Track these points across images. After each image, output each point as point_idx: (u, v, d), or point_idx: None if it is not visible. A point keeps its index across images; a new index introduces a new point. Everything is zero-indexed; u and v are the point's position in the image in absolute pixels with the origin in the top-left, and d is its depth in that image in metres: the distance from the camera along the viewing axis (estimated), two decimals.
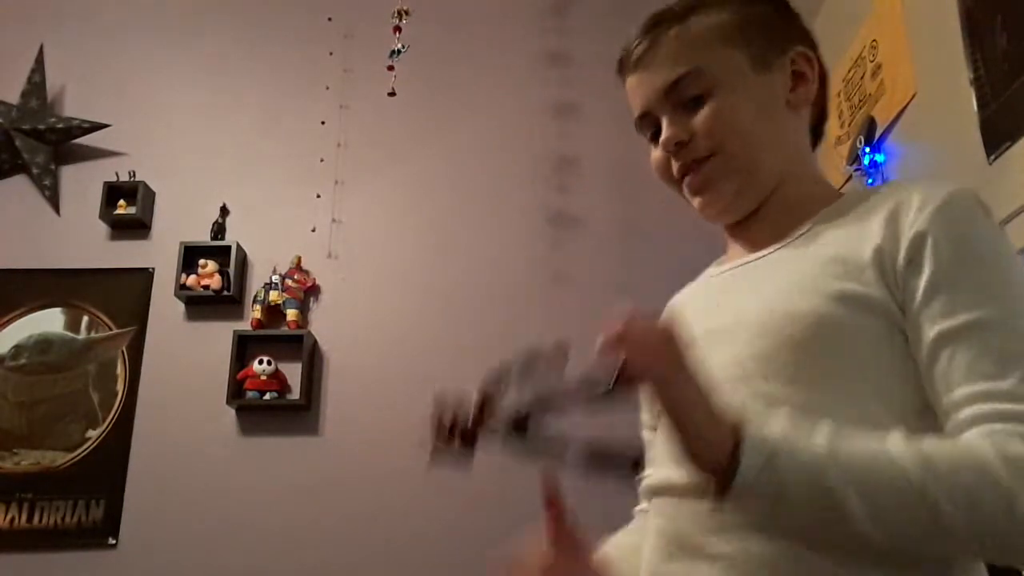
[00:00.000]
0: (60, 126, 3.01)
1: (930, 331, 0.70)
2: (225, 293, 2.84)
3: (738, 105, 0.84)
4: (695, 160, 0.85)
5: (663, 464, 0.82)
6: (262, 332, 2.83)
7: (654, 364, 0.68)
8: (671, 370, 0.67)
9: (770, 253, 0.85)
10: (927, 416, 0.71)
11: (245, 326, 2.84)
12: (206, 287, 2.84)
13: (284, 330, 2.83)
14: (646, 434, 0.96)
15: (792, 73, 0.88)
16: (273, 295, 2.83)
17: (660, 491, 0.83)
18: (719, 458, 0.65)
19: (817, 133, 0.93)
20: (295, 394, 2.78)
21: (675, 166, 0.87)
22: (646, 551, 0.84)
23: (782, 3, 0.92)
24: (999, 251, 0.73)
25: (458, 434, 0.78)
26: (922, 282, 0.71)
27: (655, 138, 0.89)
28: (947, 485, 0.63)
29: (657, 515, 0.83)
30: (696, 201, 0.88)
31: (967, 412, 0.67)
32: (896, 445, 0.65)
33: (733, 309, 0.82)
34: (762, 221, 0.87)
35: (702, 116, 0.84)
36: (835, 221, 0.80)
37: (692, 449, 0.67)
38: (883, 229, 0.74)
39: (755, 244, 0.88)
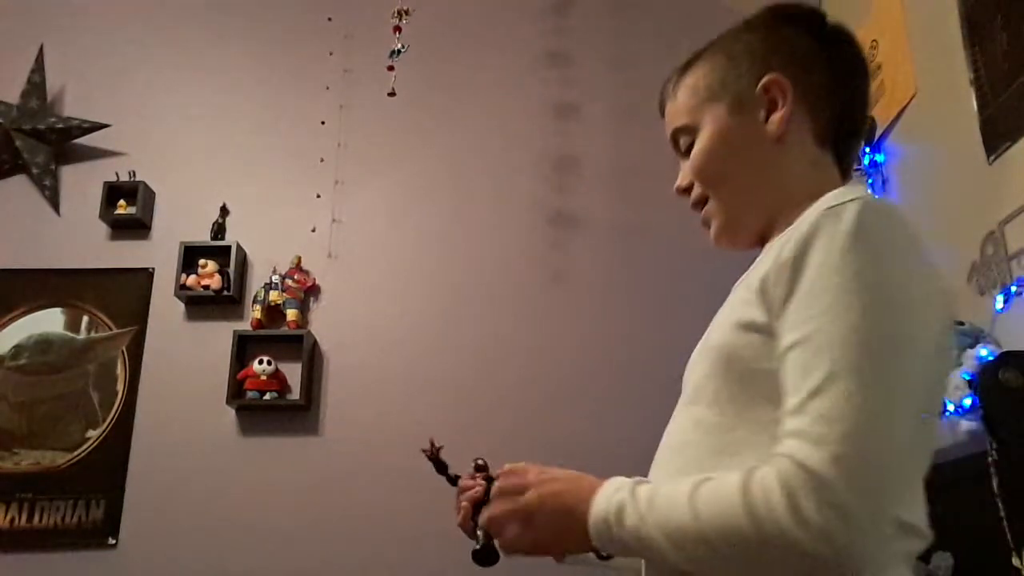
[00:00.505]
0: (60, 126, 3.01)
1: (779, 347, 0.74)
2: (225, 293, 2.84)
3: (713, 151, 0.93)
4: (697, 204, 0.97)
5: None
6: (262, 332, 2.83)
7: (515, 544, 0.87)
8: (528, 542, 0.85)
9: (742, 278, 0.90)
10: None
11: (245, 326, 2.84)
12: (206, 287, 2.84)
13: (284, 330, 2.83)
14: None
15: (767, 104, 0.91)
16: (273, 295, 2.83)
17: None
18: (584, 545, 0.82)
19: (840, 132, 0.93)
20: (295, 394, 2.78)
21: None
22: None
23: (764, 24, 0.96)
24: (844, 260, 0.71)
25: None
26: (779, 304, 0.75)
27: None
28: (712, 524, 0.70)
29: None
30: (710, 236, 0.98)
31: (780, 429, 0.71)
32: (684, 494, 0.73)
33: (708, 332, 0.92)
34: (759, 251, 0.92)
35: (689, 163, 0.96)
36: (766, 251, 0.87)
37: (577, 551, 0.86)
38: (774, 255, 0.78)
39: None
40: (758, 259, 0.86)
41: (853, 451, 0.64)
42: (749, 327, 0.78)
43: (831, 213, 0.74)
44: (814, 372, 0.68)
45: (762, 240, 0.92)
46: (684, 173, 0.98)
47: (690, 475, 0.75)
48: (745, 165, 0.91)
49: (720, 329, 0.84)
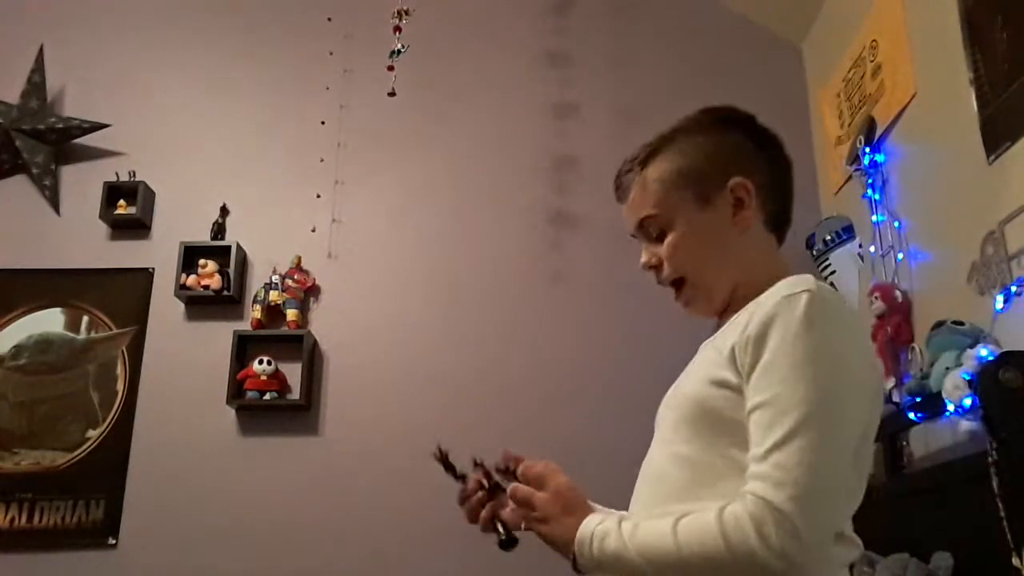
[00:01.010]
0: (60, 126, 3.01)
1: (747, 405, 0.92)
2: (225, 293, 2.84)
3: (687, 240, 1.07)
4: (672, 281, 1.09)
5: None
6: (262, 332, 2.83)
7: (539, 524, 1.00)
8: (546, 525, 1.00)
9: (710, 341, 1.07)
10: None
11: (245, 326, 2.84)
12: (206, 287, 2.84)
13: (284, 330, 2.83)
14: None
15: (734, 200, 1.07)
16: (273, 295, 2.83)
17: None
18: (568, 552, 0.97)
19: (781, 219, 1.13)
20: (295, 394, 2.78)
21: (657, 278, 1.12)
22: None
23: (714, 127, 1.10)
24: (798, 341, 0.90)
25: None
26: (746, 367, 0.93)
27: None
28: (692, 552, 0.87)
29: None
30: (683, 308, 1.12)
31: (747, 472, 0.89)
32: (667, 525, 0.89)
33: (679, 387, 1.08)
34: (724, 315, 1.09)
35: (664, 250, 1.08)
36: (736, 320, 1.01)
37: (557, 550, 1.00)
38: (741, 328, 0.95)
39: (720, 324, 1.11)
40: (725, 326, 1.03)
41: (803, 492, 0.84)
42: (721, 384, 0.95)
43: (786, 301, 0.92)
44: (776, 430, 0.87)
45: (724, 306, 1.09)
46: (651, 253, 1.10)
47: (669, 503, 0.95)
48: (716, 252, 1.08)
49: (693, 381, 1.01)
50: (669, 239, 1.08)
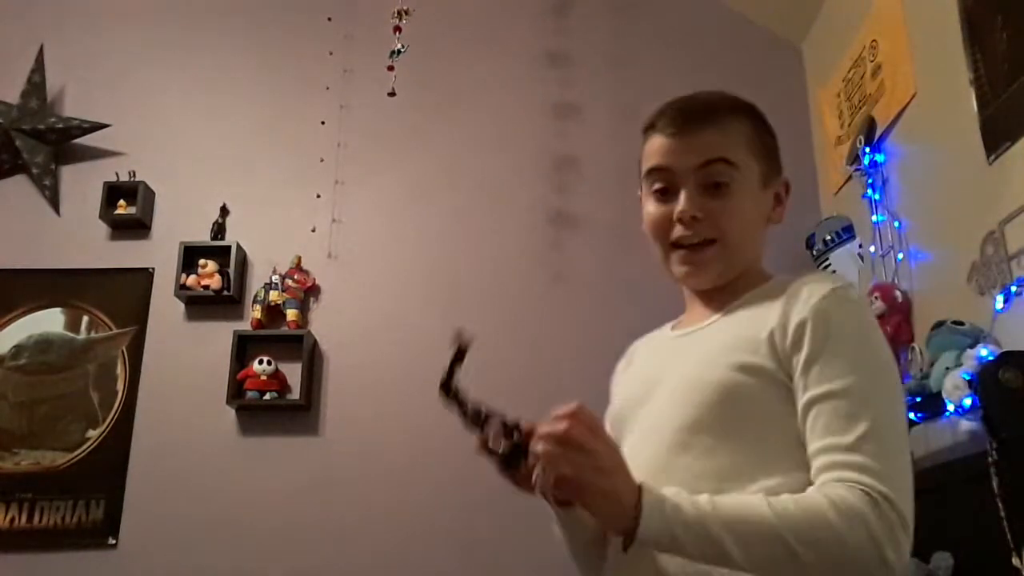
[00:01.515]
0: (60, 126, 3.01)
1: (803, 397, 0.91)
2: (225, 293, 2.84)
3: (747, 208, 1.04)
4: (700, 241, 1.03)
5: None
6: (262, 332, 2.83)
7: (573, 477, 0.85)
8: (585, 478, 0.85)
9: (712, 323, 1.05)
10: (801, 457, 0.91)
11: (245, 326, 2.84)
12: (206, 287, 2.84)
13: (284, 330, 2.83)
14: None
15: (775, 195, 1.09)
16: (273, 295, 2.83)
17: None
18: (625, 524, 0.85)
19: None
20: (295, 394, 2.78)
21: (676, 232, 1.04)
22: None
23: (776, 139, 1.11)
24: (861, 336, 0.93)
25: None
26: (801, 359, 0.92)
27: (661, 192, 1.06)
28: (798, 529, 0.82)
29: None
30: (683, 269, 1.06)
31: (818, 462, 0.88)
32: (760, 501, 0.85)
33: (677, 372, 1.02)
34: (721, 292, 1.07)
35: (718, 206, 1.02)
36: (756, 303, 1.01)
37: (604, 523, 0.89)
38: (778, 316, 0.95)
39: (710, 308, 1.08)
40: (741, 313, 1.01)
41: (905, 485, 0.86)
42: (752, 370, 0.93)
43: (839, 295, 0.94)
44: (860, 419, 0.87)
45: (724, 283, 1.06)
46: (699, 205, 1.02)
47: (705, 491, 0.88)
48: (754, 231, 1.07)
49: (715, 368, 0.96)
50: (730, 200, 1.03)
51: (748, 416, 0.93)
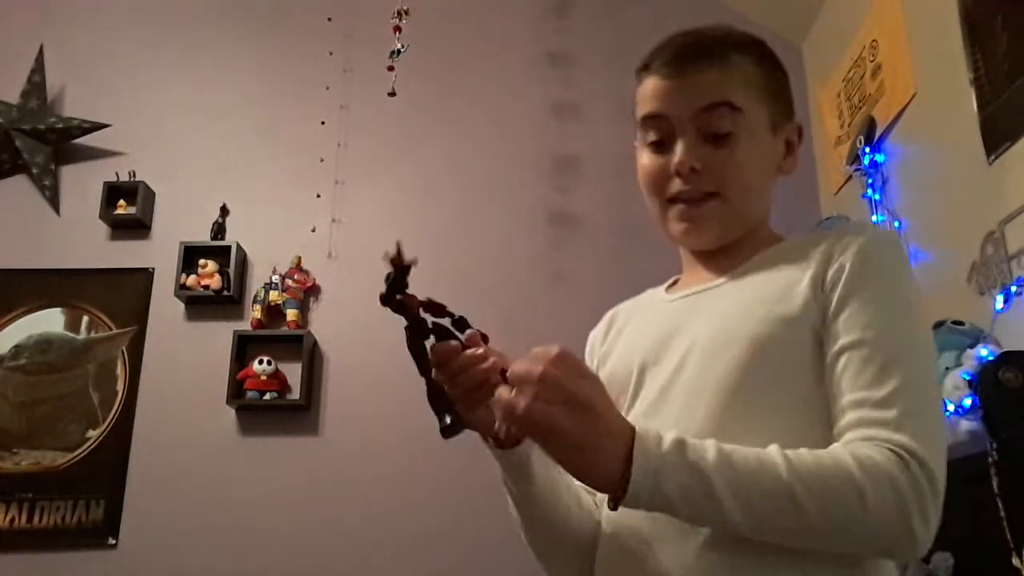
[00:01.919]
0: (60, 126, 3.01)
1: (835, 342, 0.82)
2: (225, 293, 2.84)
3: (752, 159, 0.93)
4: (699, 195, 0.92)
5: None
6: (262, 332, 2.83)
7: (581, 418, 0.72)
8: (594, 423, 0.72)
9: (722, 284, 0.94)
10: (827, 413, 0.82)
11: (245, 326, 2.84)
12: (206, 287, 2.84)
13: (284, 330, 2.83)
14: None
15: (786, 142, 0.98)
16: (273, 295, 2.83)
17: None
18: (611, 482, 0.72)
19: None
20: (295, 394, 2.78)
21: (674, 187, 0.93)
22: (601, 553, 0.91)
23: (788, 77, 1.00)
24: (899, 285, 0.85)
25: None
26: (835, 301, 0.83)
27: (657, 144, 0.94)
28: (813, 488, 0.72)
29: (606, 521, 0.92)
30: (680, 226, 0.95)
31: (847, 417, 0.79)
32: (775, 456, 0.74)
33: (692, 332, 0.90)
34: (725, 254, 0.96)
35: (721, 156, 0.91)
36: (778, 258, 0.91)
37: (584, 478, 0.74)
38: (819, 262, 0.86)
39: (713, 271, 0.97)
40: (757, 275, 0.91)
41: (942, 448, 0.78)
42: (791, 322, 0.84)
43: (879, 239, 0.87)
44: (894, 372, 0.78)
45: (733, 240, 0.96)
46: (699, 156, 0.91)
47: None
48: (763, 182, 0.96)
49: (753, 321, 0.85)
50: (735, 149, 0.91)
51: (774, 373, 0.83)
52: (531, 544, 0.96)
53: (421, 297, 0.88)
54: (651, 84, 0.95)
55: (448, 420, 0.82)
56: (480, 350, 0.84)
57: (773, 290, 0.87)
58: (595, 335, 1.11)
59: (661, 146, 0.94)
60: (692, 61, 0.93)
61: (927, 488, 0.74)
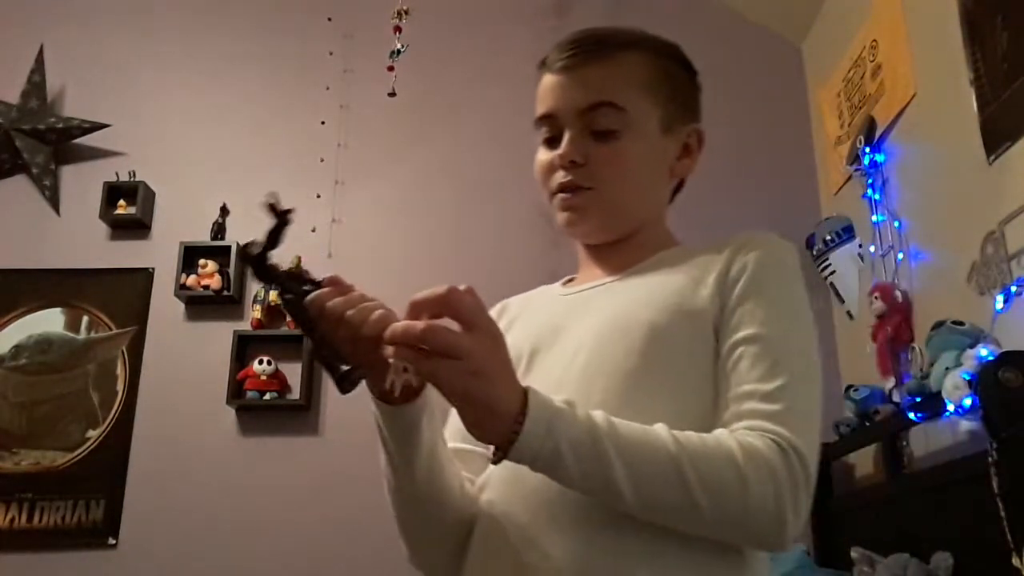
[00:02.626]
0: (60, 126, 3.01)
1: (731, 335, 0.85)
2: (225, 293, 2.84)
3: (637, 156, 0.95)
4: (578, 186, 0.94)
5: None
6: (262, 332, 2.83)
7: (471, 379, 0.69)
8: (484, 383, 0.69)
9: (619, 280, 0.96)
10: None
11: (245, 326, 2.84)
12: (206, 287, 2.84)
13: (284, 330, 2.83)
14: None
15: (683, 145, 0.99)
16: (273, 295, 2.83)
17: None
18: (502, 429, 0.71)
19: (675, 193, 1.05)
20: (295, 394, 2.78)
21: (555, 180, 0.95)
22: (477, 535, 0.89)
23: (695, 74, 1.04)
24: (795, 291, 0.89)
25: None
26: (734, 297, 0.86)
27: (550, 141, 0.97)
28: (698, 465, 0.74)
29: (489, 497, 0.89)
30: (562, 216, 0.97)
31: (734, 408, 0.81)
32: (661, 431, 0.76)
33: (589, 320, 0.91)
34: (618, 252, 0.98)
35: (604, 151, 0.93)
36: (680, 259, 0.94)
37: (475, 424, 0.71)
38: (724, 263, 0.89)
39: (608, 269, 0.99)
40: (655, 275, 0.93)
41: (812, 443, 0.79)
42: (695, 316, 0.86)
43: (779, 246, 0.91)
44: (783, 368, 0.81)
45: (616, 238, 0.98)
46: (583, 151, 0.93)
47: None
48: (649, 181, 0.98)
49: (652, 309, 0.87)
50: (617, 146, 0.93)
51: (668, 359, 0.85)
52: (402, 521, 0.95)
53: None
54: (545, 81, 0.99)
55: (343, 369, 0.78)
56: (355, 293, 0.80)
57: (675, 285, 0.89)
58: None
59: (553, 142, 0.96)
60: (581, 60, 0.96)
61: (802, 481, 0.76)
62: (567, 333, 0.92)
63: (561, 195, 0.96)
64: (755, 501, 0.74)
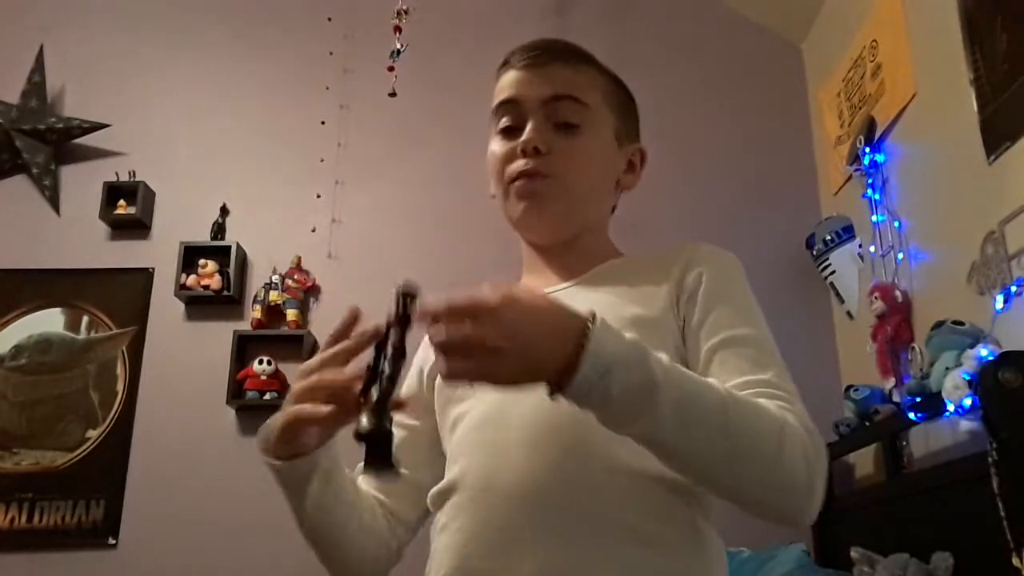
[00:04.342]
0: (60, 126, 3.01)
1: (704, 344, 0.87)
2: (225, 293, 2.84)
3: (595, 154, 0.98)
4: (539, 173, 0.95)
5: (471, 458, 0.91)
6: (262, 332, 2.82)
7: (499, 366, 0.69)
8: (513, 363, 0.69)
9: (572, 287, 0.97)
10: None
11: (245, 326, 2.84)
12: (206, 287, 2.84)
13: (284, 330, 2.83)
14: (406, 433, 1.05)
15: (628, 161, 1.04)
16: (273, 295, 2.83)
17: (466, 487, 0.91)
18: (557, 369, 0.69)
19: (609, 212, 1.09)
20: None
21: (515, 167, 0.96)
22: (443, 552, 0.93)
23: (636, 111, 1.08)
24: (750, 296, 0.93)
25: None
26: (696, 310, 0.89)
27: (507, 130, 0.99)
28: (744, 415, 0.74)
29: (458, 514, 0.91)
30: (520, 205, 0.97)
31: (745, 392, 0.81)
32: (716, 384, 0.77)
33: None
34: (565, 256, 1.00)
35: (565, 144, 0.95)
36: (629, 269, 0.97)
37: (532, 368, 0.70)
38: (677, 273, 0.92)
39: (558, 273, 1.01)
40: (607, 286, 0.94)
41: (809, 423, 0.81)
42: (651, 325, 0.88)
43: (730, 257, 0.95)
44: (767, 363, 0.84)
45: (562, 238, 1.00)
46: (546, 140, 0.95)
47: (579, 454, 0.83)
48: (600, 184, 1.01)
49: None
50: (579, 139, 0.96)
51: None
52: (314, 551, 1.01)
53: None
54: (507, 76, 1.01)
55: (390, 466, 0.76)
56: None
57: (630, 295, 0.91)
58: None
59: (511, 132, 0.99)
60: (548, 58, 0.99)
61: (823, 462, 0.78)
62: None
63: (520, 182, 0.96)
64: (788, 463, 0.75)
